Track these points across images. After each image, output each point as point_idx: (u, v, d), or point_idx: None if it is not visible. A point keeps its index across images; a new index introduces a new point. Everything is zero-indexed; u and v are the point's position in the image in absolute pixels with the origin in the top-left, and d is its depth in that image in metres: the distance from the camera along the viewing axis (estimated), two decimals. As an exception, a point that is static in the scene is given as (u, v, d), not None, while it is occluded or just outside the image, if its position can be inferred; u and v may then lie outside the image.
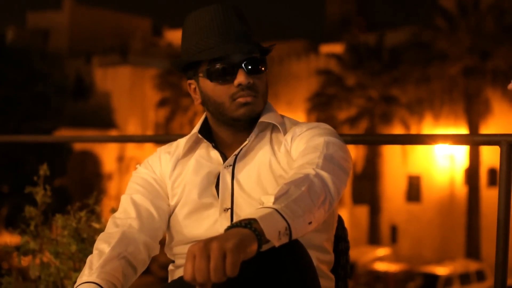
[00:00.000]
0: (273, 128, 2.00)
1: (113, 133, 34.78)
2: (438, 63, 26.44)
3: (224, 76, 1.90)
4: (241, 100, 1.90)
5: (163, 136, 4.15)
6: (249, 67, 1.91)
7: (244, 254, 1.37)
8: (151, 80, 36.54)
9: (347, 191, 30.63)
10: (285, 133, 1.97)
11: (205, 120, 2.06)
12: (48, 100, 27.78)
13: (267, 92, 1.99)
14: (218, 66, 1.89)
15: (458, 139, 2.44)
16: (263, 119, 1.96)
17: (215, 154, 2.01)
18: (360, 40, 31.14)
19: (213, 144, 2.01)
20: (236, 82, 1.89)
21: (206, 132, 2.03)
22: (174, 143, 2.12)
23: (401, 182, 30.62)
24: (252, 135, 1.97)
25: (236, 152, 1.96)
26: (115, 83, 38.15)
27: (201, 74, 1.94)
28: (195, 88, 2.00)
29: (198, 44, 1.92)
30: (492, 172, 27.16)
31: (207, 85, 1.94)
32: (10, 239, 3.17)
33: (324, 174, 1.67)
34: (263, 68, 1.96)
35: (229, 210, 1.90)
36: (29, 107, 26.92)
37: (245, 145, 1.96)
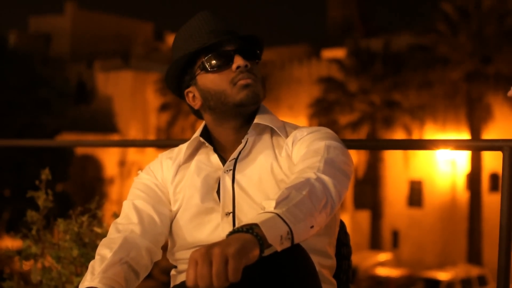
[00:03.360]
0: (273, 132, 2.00)
1: (115, 137, 34.78)
2: (439, 68, 26.45)
3: (222, 63, 1.93)
4: (242, 82, 1.92)
5: (164, 141, 4.15)
6: (244, 53, 1.95)
7: (246, 259, 1.38)
8: (153, 84, 36.58)
9: (348, 196, 30.61)
10: (286, 136, 1.97)
11: (205, 126, 2.06)
12: (50, 105, 27.82)
13: (264, 81, 2.01)
14: (214, 55, 1.92)
15: (460, 145, 2.44)
16: (258, 120, 1.97)
17: (215, 159, 2.01)
18: (362, 45, 31.16)
19: (214, 149, 2.02)
20: (234, 65, 1.92)
21: (206, 138, 2.04)
22: (176, 149, 2.12)
23: (403, 187, 30.60)
24: (249, 137, 1.97)
25: (234, 156, 1.96)
26: (117, 87, 38.19)
27: (198, 71, 1.96)
28: (193, 96, 2.01)
29: (192, 45, 1.94)
30: (493, 177, 27.13)
31: (206, 78, 1.95)
32: (12, 243, 3.18)
33: (325, 178, 1.67)
34: (256, 60, 1.99)
35: (231, 214, 1.90)
36: (31, 112, 26.95)
37: (243, 148, 1.96)
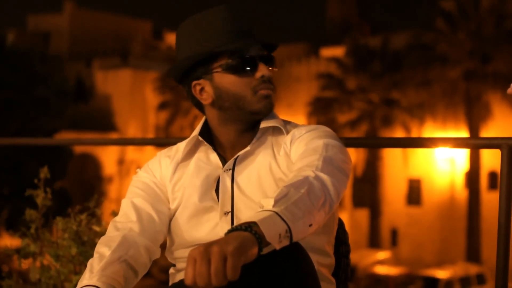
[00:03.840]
0: (274, 131, 1.99)
1: (114, 136, 34.77)
2: (438, 66, 26.46)
3: (246, 68, 1.91)
4: (263, 92, 1.92)
5: (163, 139, 4.15)
6: (267, 61, 1.94)
7: (245, 257, 1.37)
8: (152, 83, 36.58)
9: (347, 194, 30.63)
10: (287, 133, 1.97)
11: (205, 123, 2.04)
12: (48, 103, 27.78)
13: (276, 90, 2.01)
14: (239, 58, 1.90)
15: (459, 143, 2.44)
16: (264, 124, 1.96)
17: (214, 158, 2.00)
18: (360, 43, 31.16)
19: (213, 147, 2.01)
20: (258, 74, 1.91)
21: (206, 136, 2.02)
22: (174, 147, 2.11)
23: (402, 186, 30.62)
24: (254, 141, 1.96)
25: (235, 156, 1.95)
26: (115, 86, 38.18)
27: (218, 69, 1.92)
28: (202, 89, 1.97)
29: (213, 41, 1.91)
30: (492, 175, 27.16)
31: (226, 79, 1.92)
32: (11, 242, 3.18)
33: (323, 176, 1.67)
34: (274, 68, 1.98)
35: (230, 214, 1.90)
36: (29, 110, 26.91)
37: (245, 150, 1.95)
